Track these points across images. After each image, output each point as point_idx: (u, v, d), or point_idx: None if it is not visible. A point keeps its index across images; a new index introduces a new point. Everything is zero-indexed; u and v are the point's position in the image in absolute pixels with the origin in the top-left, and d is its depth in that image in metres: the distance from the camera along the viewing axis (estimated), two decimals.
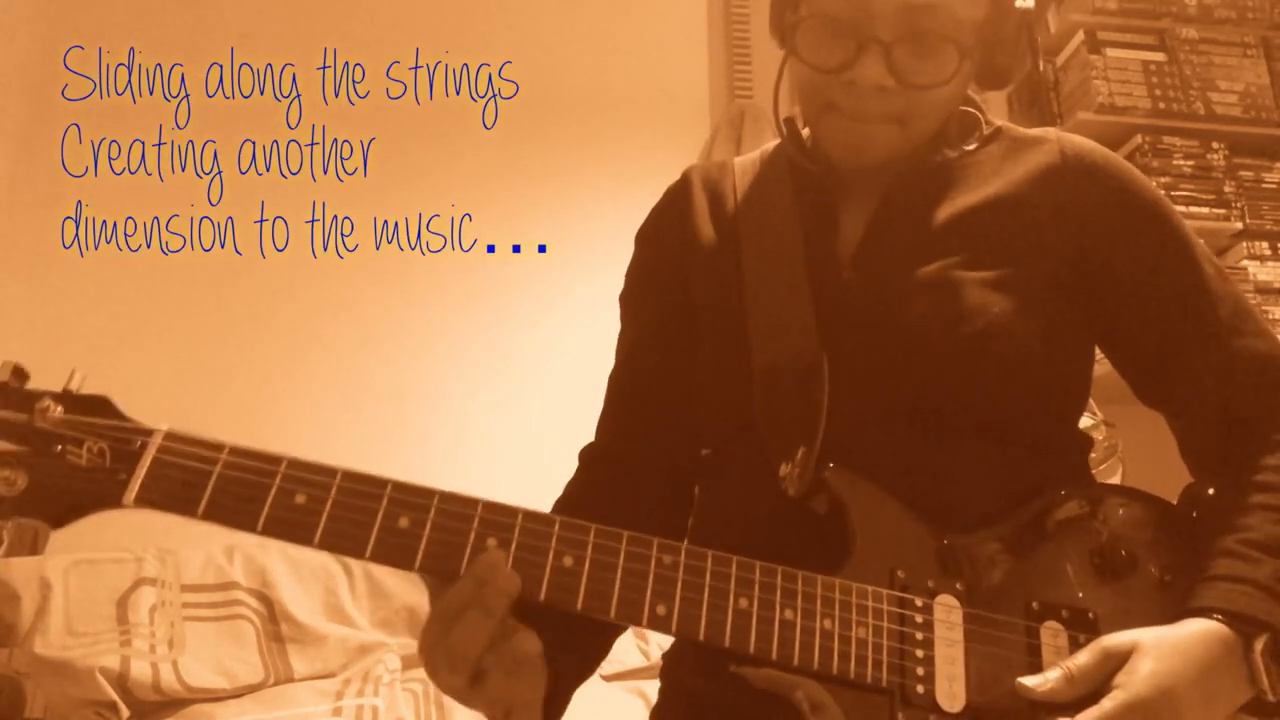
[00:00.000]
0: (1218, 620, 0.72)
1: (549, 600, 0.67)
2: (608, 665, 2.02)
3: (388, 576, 2.08)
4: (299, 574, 2.03)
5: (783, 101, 0.95)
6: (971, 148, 0.92)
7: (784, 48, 0.93)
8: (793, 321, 0.85)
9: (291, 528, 0.65)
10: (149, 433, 0.66)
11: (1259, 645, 0.71)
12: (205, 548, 2.02)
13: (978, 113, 0.95)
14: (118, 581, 1.88)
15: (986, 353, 0.81)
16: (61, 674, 1.71)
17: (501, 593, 0.66)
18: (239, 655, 1.86)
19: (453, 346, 2.54)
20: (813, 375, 0.81)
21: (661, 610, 0.68)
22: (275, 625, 1.94)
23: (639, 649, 2.08)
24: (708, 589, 0.69)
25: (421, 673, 1.84)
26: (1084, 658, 0.70)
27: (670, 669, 0.93)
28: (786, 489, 0.78)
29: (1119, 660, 0.69)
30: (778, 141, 1.01)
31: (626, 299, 1.03)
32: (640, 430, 0.96)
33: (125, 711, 1.68)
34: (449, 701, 1.74)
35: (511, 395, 2.51)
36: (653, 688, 1.93)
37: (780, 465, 0.79)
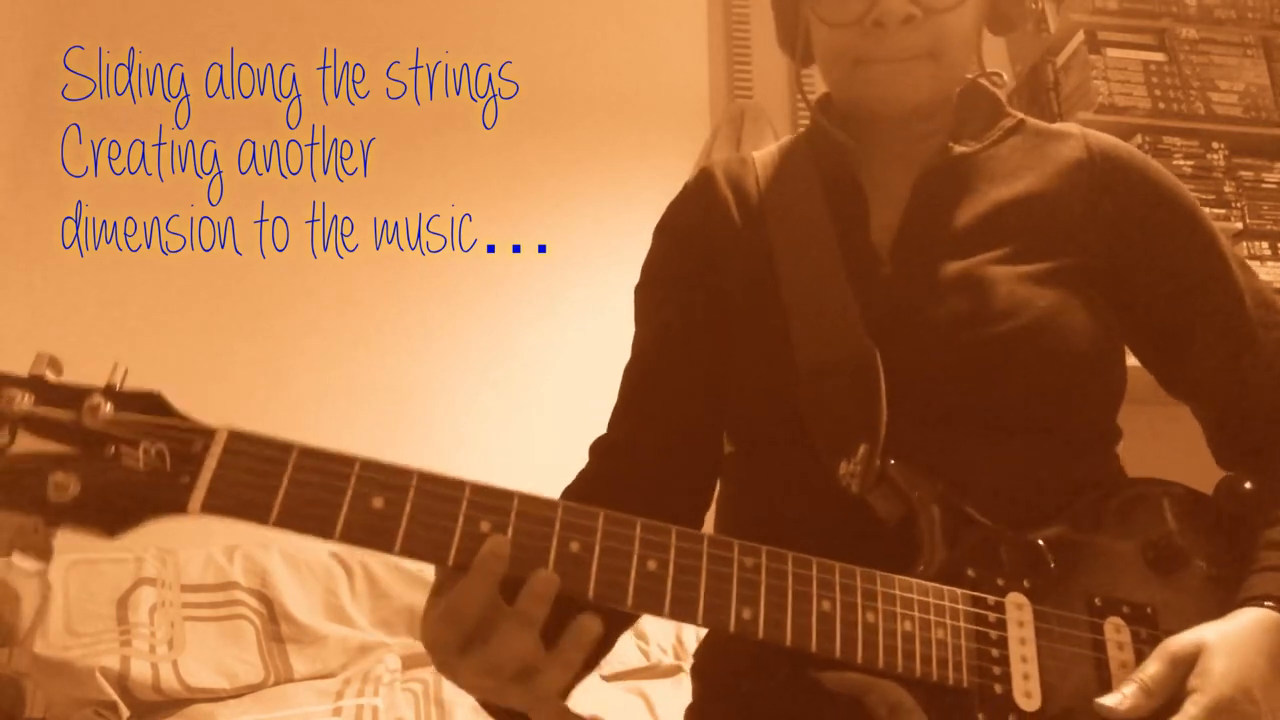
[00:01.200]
0: (1269, 608, 0.72)
1: (635, 605, 0.65)
2: (607, 665, 2.02)
3: (388, 576, 2.08)
4: (299, 574, 2.03)
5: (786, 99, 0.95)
6: (995, 137, 0.93)
7: (791, 56, 0.94)
8: (838, 317, 0.84)
9: (371, 534, 0.61)
10: (211, 433, 0.61)
11: None
12: (205, 548, 2.02)
13: (999, 100, 0.96)
14: (118, 581, 1.88)
15: (1035, 347, 0.81)
16: (61, 674, 1.71)
17: (540, 598, 0.63)
18: (239, 655, 1.86)
19: (452, 346, 2.54)
20: (866, 371, 0.80)
21: (747, 614, 0.66)
22: (275, 625, 1.94)
23: (639, 649, 2.08)
24: (791, 592, 0.68)
25: (422, 673, 1.85)
26: (1154, 667, 0.70)
27: (707, 667, 0.92)
28: (849, 486, 0.77)
29: (1188, 663, 0.69)
30: (795, 135, 1.01)
31: (645, 291, 1.00)
32: (657, 424, 0.94)
33: (125, 711, 1.68)
34: (449, 701, 1.74)
35: (512, 395, 2.51)
36: (653, 687, 1.94)
37: (839, 463, 0.78)
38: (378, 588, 2.06)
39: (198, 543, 2.03)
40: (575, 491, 0.92)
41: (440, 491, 0.63)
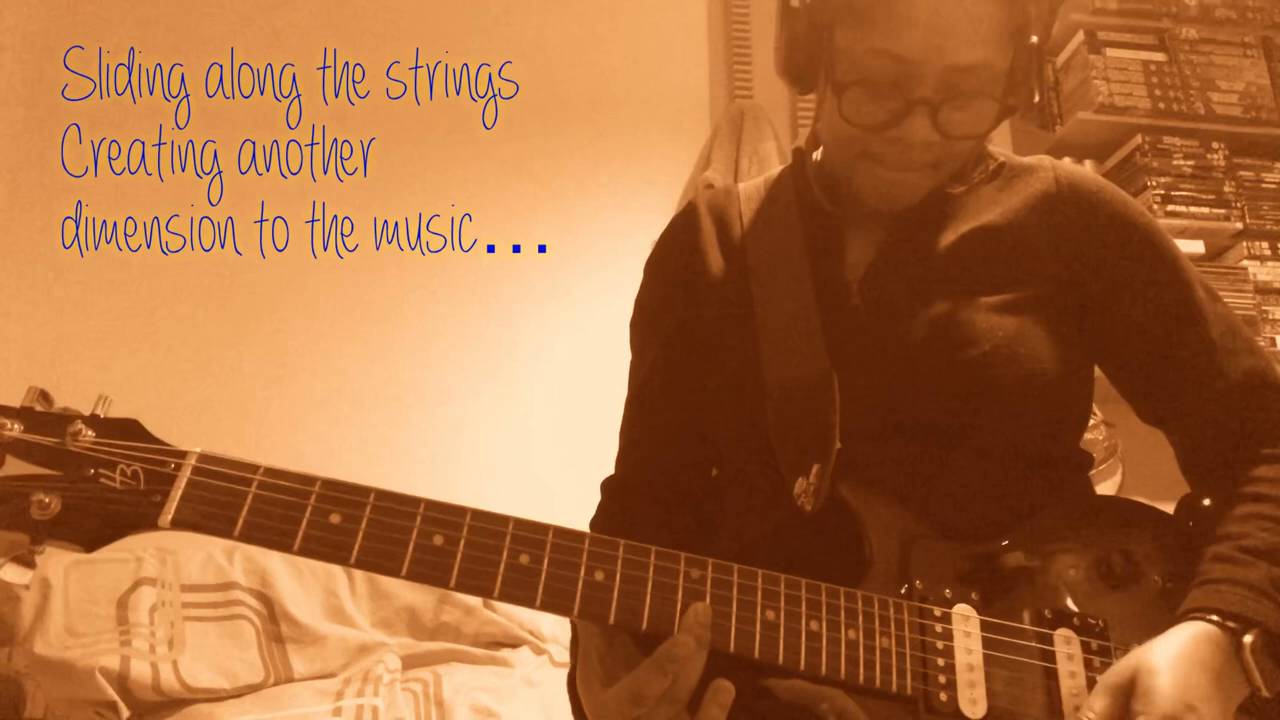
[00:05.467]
0: (1209, 620, 0.73)
1: (582, 614, 0.68)
2: None
3: (388, 577, 2.07)
4: (299, 574, 2.03)
5: (787, 130, 0.95)
6: (976, 180, 0.94)
7: (795, 87, 0.93)
8: (803, 344, 0.87)
9: (327, 547, 0.66)
10: (183, 455, 0.67)
11: (1248, 641, 0.72)
12: (205, 548, 2.03)
13: (983, 147, 0.97)
14: (118, 581, 1.88)
15: (994, 374, 0.83)
16: (61, 674, 1.71)
17: (702, 623, 0.68)
18: (239, 655, 1.86)
19: (452, 346, 2.54)
20: (824, 394, 0.82)
21: None
22: (275, 625, 1.94)
23: None
24: (735, 602, 0.70)
25: (422, 673, 1.85)
26: (1100, 702, 0.71)
27: None
28: (803, 505, 0.79)
29: (1128, 689, 0.70)
30: (782, 168, 1.03)
31: (638, 328, 1.04)
32: (655, 462, 0.98)
33: (125, 711, 1.68)
34: (449, 701, 1.74)
35: (511, 395, 2.51)
36: None
37: (795, 482, 0.81)
38: (378, 588, 2.06)
39: (198, 543, 2.03)
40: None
41: (395, 507, 0.68)
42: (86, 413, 0.68)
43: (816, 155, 0.99)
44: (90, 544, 0.64)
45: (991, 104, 0.85)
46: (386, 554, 0.67)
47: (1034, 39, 0.86)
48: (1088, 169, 0.96)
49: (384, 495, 0.68)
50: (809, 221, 0.95)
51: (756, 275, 0.94)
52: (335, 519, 0.66)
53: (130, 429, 0.68)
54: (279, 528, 0.66)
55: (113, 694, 1.68)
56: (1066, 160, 0.98)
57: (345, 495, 0.67)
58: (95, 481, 0.65)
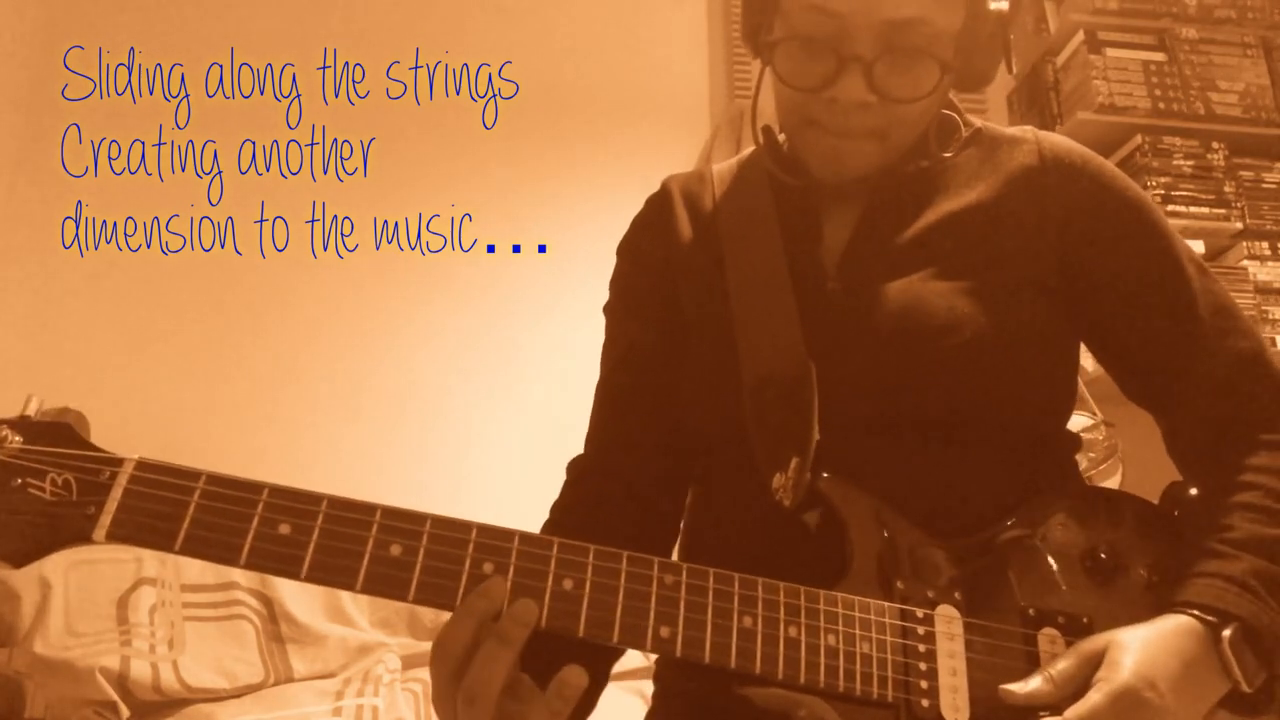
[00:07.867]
0: (1189, 615, 0.72)
1: (550, 627, 0.65)
2: None
3: None
4: None
5: (763, 111, 0.94)
6: (950, 154, 0.91)
7: (756, 56, 0.91)
8: (780, 332, 0.84)
9: (276, 560, 0.62)
10: (118, 462, 0.62)
11: (1226, 635, 0.71)
12: None
13: (956, 115, 0.94)
14: (118, 581, 1.88)
15: (973, 362, 0.81)
16: (61, 674, 1.71)
17: (519, 622, 0.63)
18: (239, 655, 1.86)
19: (452, 346, 2.54)
20: (802, 386, 0.80)
21: (665, 632, 0.66)
22: (275, 625, 1.94)
23: None
24: (711, 609, 0.67)
25: (422, 673, 1.85)
26: (1064, 663, 0.70)
27: (663, 671, 0.93)
28: (781, 500, 0.77)
29: (1097, 659, 0.70)
30: (755, 148, 1.00)
31: (612, 311, 1.02)
32: (631, 441, 0.95)
33: (125, 711, 1.68)
34: None
35: (511, 395, 2.51)
36: (652, 688, 1.93)
37: (773, 476, 0.78)
38: None
39: None
40: (557, 520, 0.92)
41: (350, 515, 0.64)
42: (16, 415, 0.63)
43: (783, 136, 0.97)
44: (19, 560, 0.60)
45: (934, 65, 0.81)
46: (340, 567, 0.62)
47: (998, 6, 0.83)
48: (1073, 141, 0.92)
49: (337, 503, 0.64)
50: (783, 201, 0.92)
51: (731, 258, 0.91)
52: (285, 529, 0.62)
53: (63, 434, 0.62)
54: (224, 540, 0.61)
55: (113, 694, 1.68)
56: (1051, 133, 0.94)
57: (295, 504, 0.63)
58: (23, 492, 0.60)
